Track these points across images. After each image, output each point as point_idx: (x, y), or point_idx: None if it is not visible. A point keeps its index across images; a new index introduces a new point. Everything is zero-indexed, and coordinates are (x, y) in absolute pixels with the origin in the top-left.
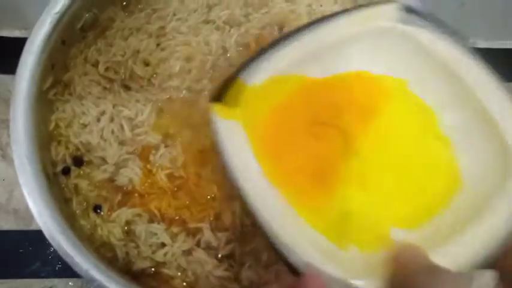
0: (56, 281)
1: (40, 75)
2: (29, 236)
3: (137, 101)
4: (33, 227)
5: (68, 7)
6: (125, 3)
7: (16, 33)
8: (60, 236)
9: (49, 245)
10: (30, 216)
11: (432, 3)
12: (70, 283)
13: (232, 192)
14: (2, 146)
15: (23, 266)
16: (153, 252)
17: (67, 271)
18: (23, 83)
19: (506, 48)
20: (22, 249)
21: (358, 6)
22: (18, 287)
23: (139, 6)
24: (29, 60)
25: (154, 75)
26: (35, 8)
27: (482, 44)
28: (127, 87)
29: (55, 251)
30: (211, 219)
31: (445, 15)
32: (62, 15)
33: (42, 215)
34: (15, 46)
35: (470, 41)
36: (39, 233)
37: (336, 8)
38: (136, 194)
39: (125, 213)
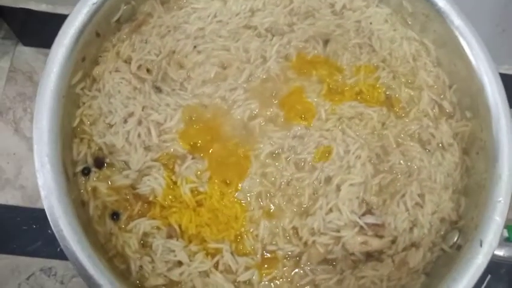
0: (55, 262)
1: (70, 69)
2: (33, 214)
3: (167, 105)
4: (38, 205)
5: None
6: None
7: (43, 7)
8: (76, 246)
9: None
10: (36, 194)
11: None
12: (70, 265)
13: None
14: (15, 120)
15: (25, 244)
16: (169, 270)
17: None
18: (51, 79)
19: None
20: (25, 227)
21: None
22: (19, 265)
23: (180, 3)
24: (60, 54)
25: (188, 79)
26: None
27: None
28: (158, 89)
29: None
30: (231, 240)
31: (485, 40)
32: (100, 6)
33: (58, 221)
34: (40, 19)
35: (505, 67)
36: (43, 212)
37: (387, 27)
38: (157, 205)
39: (143, 224)
